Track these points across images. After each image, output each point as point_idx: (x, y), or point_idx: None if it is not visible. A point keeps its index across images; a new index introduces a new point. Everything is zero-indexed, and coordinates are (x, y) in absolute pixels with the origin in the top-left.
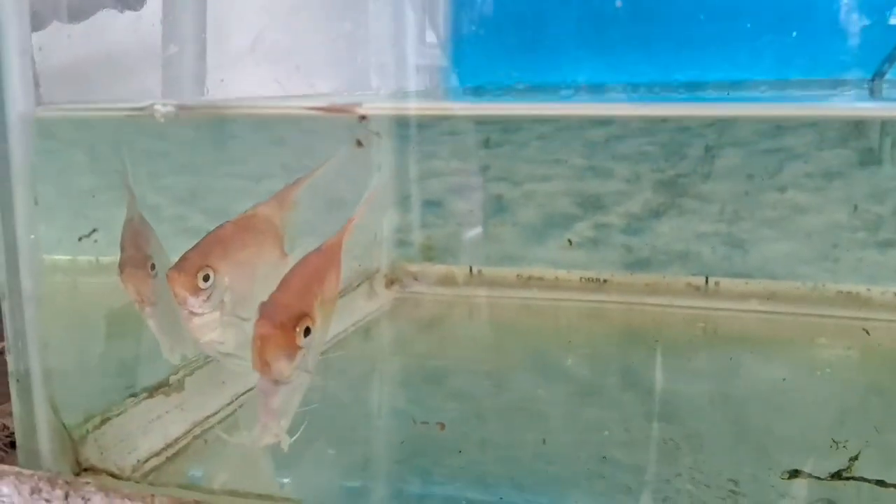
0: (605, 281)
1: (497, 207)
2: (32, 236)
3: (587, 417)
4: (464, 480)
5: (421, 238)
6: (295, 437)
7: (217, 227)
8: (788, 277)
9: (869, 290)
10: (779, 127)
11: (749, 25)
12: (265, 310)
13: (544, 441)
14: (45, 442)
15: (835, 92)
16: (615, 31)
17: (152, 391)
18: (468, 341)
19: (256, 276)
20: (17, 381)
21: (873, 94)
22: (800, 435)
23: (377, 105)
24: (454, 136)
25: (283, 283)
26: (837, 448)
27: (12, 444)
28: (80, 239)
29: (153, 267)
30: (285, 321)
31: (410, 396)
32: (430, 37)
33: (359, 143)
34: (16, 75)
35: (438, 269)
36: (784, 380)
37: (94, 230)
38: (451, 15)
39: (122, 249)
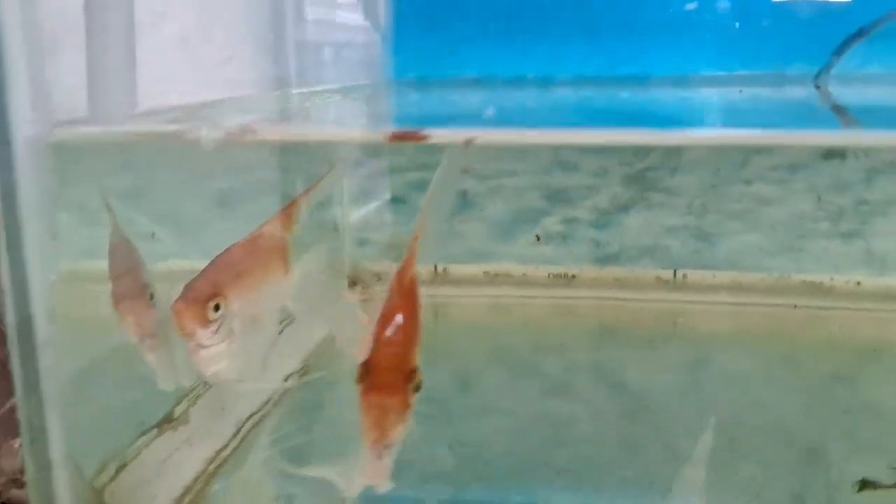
0: (573, 276)
1: (462, 203)
2: (53, 277)
3: (559, 413)
4: (427, 478)
5: (384, 236)
6: None
7: (224, 251)
8: (755, 269)
9: (832, 279)
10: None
11: (694, 17)
12: (372, 373)
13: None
14: None
15: (781, 89)
16: (562, 23)
17: (161, 427)
18: (434, 341)
19: (263, 297)
20: (33, 440)
21: (820, 90)
22: (772, 421)
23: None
24: None
25: (383, 340)
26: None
27: None
28: None
29: (152, 296)
30: (399, 383)
31: None
32: (367, 27)
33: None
34: (23, 93)
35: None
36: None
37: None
38: (391, 4)
39: (114, 279)
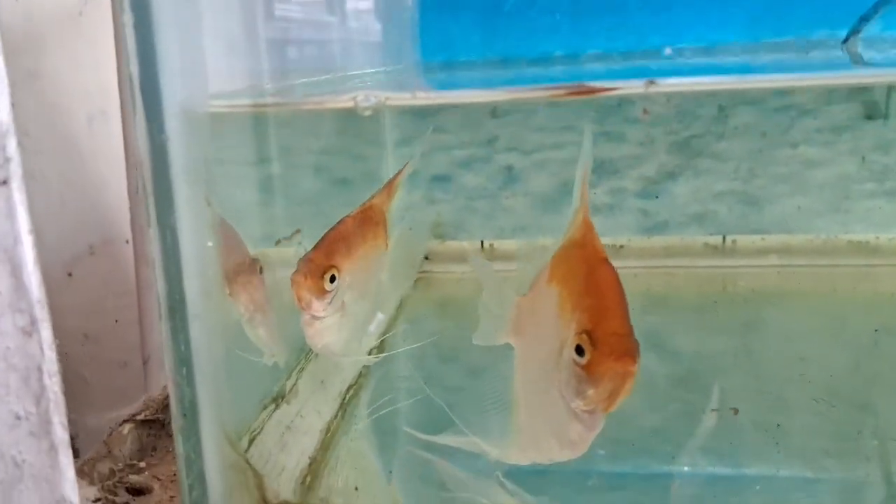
0: (621, 247)
1: (508, 178)
2: (210, 244)
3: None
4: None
5: (430, 215)
6: None
7: (338, 223)
8: (803, 231)
9: (878, 237)
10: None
11: None
12: (606, 341)
13: None
14: (216, 486)
15: (810, 55)
16: None
17: (277, 400)
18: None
19: (368, 269)
20: (184, 415)
21: (851, 55)
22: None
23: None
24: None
25: (610, 307)
26: None
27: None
28: (277, 242)
29: (261, 270)
30: (635, 350)
31: (427, 374)
32: (395, 9)
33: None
34: (176, 58)
35: (450, 245)
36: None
37: (297, 230)
38: None
39: (224, 259)
